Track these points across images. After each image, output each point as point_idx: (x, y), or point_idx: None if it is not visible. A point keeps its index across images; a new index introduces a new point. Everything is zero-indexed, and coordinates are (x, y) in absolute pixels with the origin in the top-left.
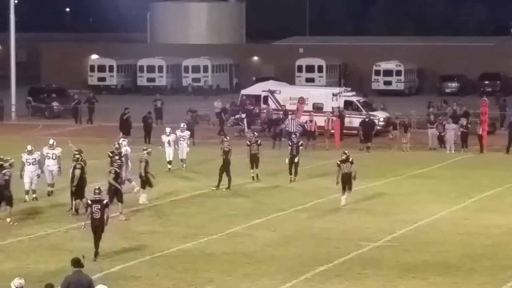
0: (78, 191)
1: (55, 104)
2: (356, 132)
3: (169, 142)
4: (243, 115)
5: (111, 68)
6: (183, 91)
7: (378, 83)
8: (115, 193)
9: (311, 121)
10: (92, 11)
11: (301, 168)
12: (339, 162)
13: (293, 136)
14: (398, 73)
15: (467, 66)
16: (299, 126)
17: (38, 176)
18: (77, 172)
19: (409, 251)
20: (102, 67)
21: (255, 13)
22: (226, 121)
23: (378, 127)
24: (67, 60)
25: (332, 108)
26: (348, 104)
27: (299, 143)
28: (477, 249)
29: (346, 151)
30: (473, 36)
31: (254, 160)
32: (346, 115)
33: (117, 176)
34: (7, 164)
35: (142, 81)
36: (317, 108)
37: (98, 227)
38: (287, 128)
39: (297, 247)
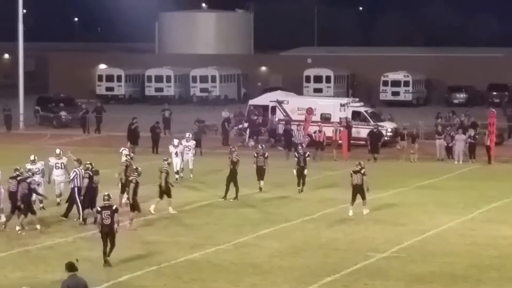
0: (86, 200)
1: (63, 113)
2: (363, 142)
3: (176, 153)
4: (246, 125)
5: (119, 78)
6: (191, 101)
7: (386, 94)
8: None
9: (319, 131)
10: (101, 21)
11: (308, 178)
12: (351, 172)
13: (299, 147)
14: (406, 83)
15: (475, 77)
16: (305, 136)
17: (39, 184)
18: (85, 181)
19: (417, 262)
20: (110, 77)
21: (263, 23)
22: (230, 130)
23: (386, 138)
24: (76, 70)
25: (340, 118)
26: (356, 115)
27: (306, 154)
28: (485, 260)
29: (362, 162)
30: (482, 47)
31: (259, 172)
32: (354, 126)
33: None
34: (30, 172)
35: (150, 91)
36: (325, 119)
37: (108, 234)
38: (293, 139)
39: (304, 258)
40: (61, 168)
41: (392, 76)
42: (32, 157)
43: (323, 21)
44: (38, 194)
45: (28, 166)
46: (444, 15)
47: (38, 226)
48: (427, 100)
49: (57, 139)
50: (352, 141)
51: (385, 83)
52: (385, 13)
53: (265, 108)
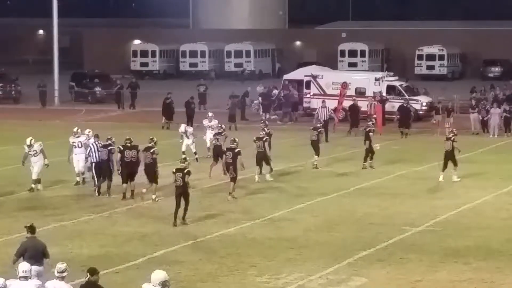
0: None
1: (97, 89)
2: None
3: (210, 127)
4: (260, 99)
5: (153, 53)
6: (226, 76)
7: (421, 68)
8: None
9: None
10: None
11: (344, 153)
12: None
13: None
14: (441, 57)
15: (511, 51)
16: (329, 114)
17: (87, 159)
18: (102, 154)
19: (452, 236)
20: (144, 52)
21: None
22: (249, 105)
23: (421, 112)
24: (110, 46)
25: (374, 93)
26: (390, 89)
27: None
28: None
29: (454, 130)
30: None
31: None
32: (389, 100)
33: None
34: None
35: (184, 66)
36: (360, 93)
37: (182, 194)
38: (317, 116)
39: (339, 232)
40: (79, 147)
41: (427, 50)
42: (75, 129)
43: None
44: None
45: (71, 139)
46: None
47: (153, 196)
48: (462, 74)
49: (91, 114)
50: (386, 115)
51: (420, 57)
52: None
53: (299, 82)
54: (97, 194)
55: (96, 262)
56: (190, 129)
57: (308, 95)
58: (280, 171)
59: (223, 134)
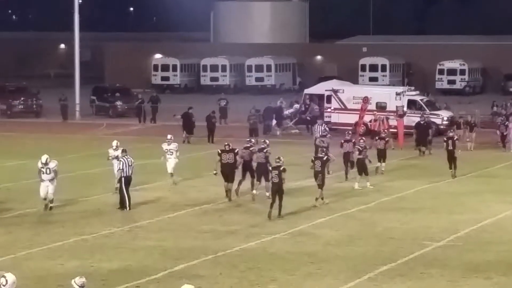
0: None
1: (118, 103)
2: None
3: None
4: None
5: (174, 68)
6: (247, 90)
7: (442, 82)
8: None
9: (375, 120)
10: (156, 11)
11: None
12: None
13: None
14: (462, 72)
15: None
16: (325, 131)
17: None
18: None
19: (473, 251)
20: (165, 67)
21: (319, 12)
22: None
23: (442, 127)
24: (131, 60)
25: (397, 107)
26: (411, 103)
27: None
28: None
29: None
30: None
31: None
32: (409, 115)
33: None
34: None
35: (205, 80)
36: (381, 108)
37: (278, 191)
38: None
39: (360, 247)
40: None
41: (448, 64)
42: (114, 144)
43: (378, 9)
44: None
45: (111, 152)
46: (500, 2)
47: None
48: (483, 89)
49: (113, 128)
50: (405, 130)
51: (441, 72)
52: (440, 1)
53: (320, 97)
54: (128, 209)
55: (117, 276)
56: (173, 146)
57: (329, 110)
58: (299, 185)
59: (265, 150)
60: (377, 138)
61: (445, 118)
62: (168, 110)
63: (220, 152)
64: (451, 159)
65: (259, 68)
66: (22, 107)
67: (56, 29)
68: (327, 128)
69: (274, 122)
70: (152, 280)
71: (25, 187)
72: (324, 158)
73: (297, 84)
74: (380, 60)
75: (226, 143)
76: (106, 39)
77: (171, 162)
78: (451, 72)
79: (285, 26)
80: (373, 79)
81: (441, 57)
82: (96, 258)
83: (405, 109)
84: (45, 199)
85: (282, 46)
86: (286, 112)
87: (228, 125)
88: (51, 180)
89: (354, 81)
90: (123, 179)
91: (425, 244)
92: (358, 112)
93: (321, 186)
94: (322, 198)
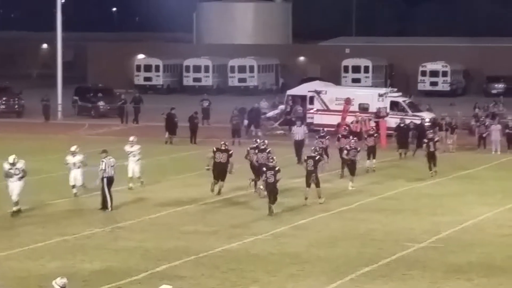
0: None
1: (101, 103)
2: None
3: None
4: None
5: (157, 68)
6: (229, 91)
7: (424, 84)
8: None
9: (357, 121)
10: (139, 11)
11: (346, 169)
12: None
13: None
14: (445, 73)
15: None
16: (305, 133)
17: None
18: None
19: (454, 252)
20: (148, 67)
21: (302, 13)
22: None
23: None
24: (114, 60)
25: (379, 108)
26: (394, 105)
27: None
28: None
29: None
30: None
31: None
32: (391, 116)
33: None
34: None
35: (188, 81)
36: (363, 109)
37: (272, 191)
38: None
39: (342, 248)
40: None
41: (430, 66)
42: (73, 148)
43: (361, 11)
44: None
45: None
46: (483, 4)
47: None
48: (465, 90)
49: (95, 129)
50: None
51: (423, 73)
52: (423, 2)
53: (303, 98)
54: (110, 209)
55: (98, 277)
56: (136, 148)
57: (311, 111)
58: (283, 185)
59: (268, 151)
60: (366, 136)
61: (427, 120)
62: (150, 110)
63: (215, 150)
64: (431, 159)
65: (242, 69)
66: (4, 107)
67: (38, 29)
68: (306, 130)
69: (245, 122)
70: (133, 281)
71: (5, 187)
72: (317, 158)
73: (279, 85)
74: (363, 62)
75: (222, 142)
76: (88, 39)
77: (134, 165)
78: (434, 73)
79: (268, 27)
80: (356, 81)
81: (424, 58)
82: (78, 258)
83: (388, 110)
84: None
85: (265, 47)
86: (271, 113)
87: (210, 126)
88: (19, 180)
89: (337, 82)
90: (105, 179)
91: (407, 246)
92: (341, 113)
93: (317, 184)
94: (320, 197)
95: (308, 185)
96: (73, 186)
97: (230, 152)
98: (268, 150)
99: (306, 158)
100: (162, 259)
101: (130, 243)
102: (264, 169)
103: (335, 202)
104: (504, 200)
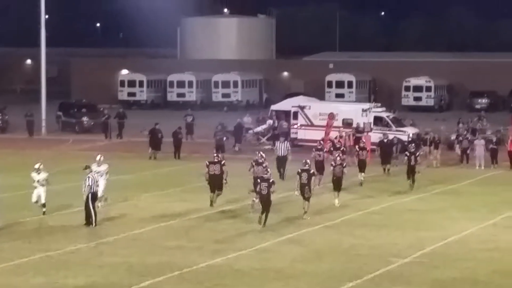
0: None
1: (85, 119)
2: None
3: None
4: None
5: (141, 83)
6: (213, 106)
7: (408, 99)
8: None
9: (341, 137)
10: (123, 27)
11: (330, 184)
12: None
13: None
14: (428, 89)
15: (497, 82)
16: (288, 149)
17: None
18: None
19: (439, 267)
20: (132, 82)
21: (285, 28)
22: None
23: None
24: (98, 75)
25: (364, 123)
26: (377, 120)
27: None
28: (507, 265)
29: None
30: (505, 52)
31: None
32: (375, 131)
33: None
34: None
35: (172, 96)
36: (347, 124)
37: (265, 202)
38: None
39: (326, 263)
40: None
41: (414, 81)
42: (37, 166)
43: (345, 26)
44: None
45: (94, 167)
46: (466, 20)
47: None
48: (449, 106)
49: (79, 144)
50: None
51: (407, 88)
52: (407, 18)
53: (287, 113)
54: (94, 225)
55: None
56: (103, 167)
57: (295, 126)
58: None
59: (265, 165)
60: (357, 149)
61: (411, 135)
62: (134, 126)
63: (208, 163)
64: (410, 173)
65: (225, 84)
66: None
67: (22, 44)
68: (289, 146)
69: (224, 138)
70: None
71: None
72: (311, 172)
73: (263, 100)
74: (346, 77)
75: (215, 154)
76: (72, 54)
77: (100, 184)
78: (417, 88)
79: (252, 42)
80: (339, 96)
81: (407, 73)
82: (62, 274)
83: (372, 126)
84: None
85: (249, 62)
86: (260, 128)
87: (194, 141)
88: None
89: (321, 97)
90: (89, 195)
91: (391, 261)
92: (324, 129)
93: (308, 198)
94: (306, 211)
95: (304, 198)
96: (36, 202)
97: (223, 162)
98: (265, 164)
99: (299, 171)
100: (146, 274)
101: (114, 259)
102: (259, 180)
103: (320, 217)
104: (488, 215)
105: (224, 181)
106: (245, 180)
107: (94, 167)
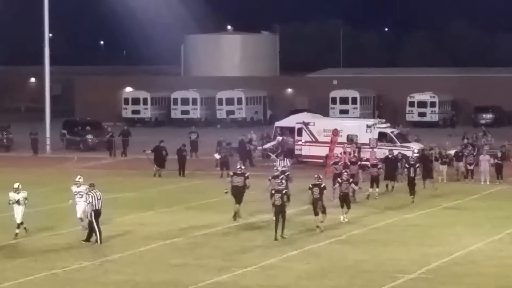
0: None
1: (89, 137)
2: None
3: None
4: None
5: (145, 101)
6: (218, 123)
7: (412, 115)
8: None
9: (345, 152)
10: (126, 44)
11: (335, 200)
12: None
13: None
14: (433, 104)
15: (502, 98)
16: (288, 166)
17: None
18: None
19: (444, 283)
20: (136, 100)
21: (289, 45)
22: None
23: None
24: (102, 93)
25: (370, 139)
26: (382, 136)
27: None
28: None
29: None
30: (509, 67)
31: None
32: (380, 147)
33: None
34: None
35: (176, 113)
36: (351, 140)
37: (280, 212)
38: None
39: (331, 280)
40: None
41: (418, 97)
42: (16, 185)
43: (349, 42)
44: None
45: (74, 188)
46: (470, 35)
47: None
48: (453, 121)
49: (83, 162)
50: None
51: (412, 104)
52: (410, 34)
53: (291, 130)
54: (99, 243)
55: None
56: (83, 188)
57: (299, 142)
58: (267, 219)
59: (281, 177)
60: (369, 165)
61: (416, 151)
62: (139, 143)
63: (232, 174)
64: (411, 185)
65: (229, 101)
66: None
67: (26, 63)
68: (289, 163)
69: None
70: None
71: None
72: (322, 186)
73: (267, 117)
74: (350, 93)
75: (238, 167)
76: (76, 73)
77: (80, 206)
78: (422, 104)
79: (256, 59)
80: (343, 112)
81: (412, 89)
82: None
83: (376, 141)
84: None
85: (253, 79)
86: (269, 144)
87: (199, 158)
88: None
89: (325, 114)
90: (92, 212)
91: (397, 277)
92: (329, 145)
93: (323, 211)
94: (322, 222)
95: (316, 213)
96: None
97: (247, 175)
98: (281, 176)
99: (311, 186)
100: None
101: (120, 277)
102: (273, 191)
103: (325, 234)
104: (493, 230)
105: (226, 190)
106: (249, 196)
107: (74, 188)
